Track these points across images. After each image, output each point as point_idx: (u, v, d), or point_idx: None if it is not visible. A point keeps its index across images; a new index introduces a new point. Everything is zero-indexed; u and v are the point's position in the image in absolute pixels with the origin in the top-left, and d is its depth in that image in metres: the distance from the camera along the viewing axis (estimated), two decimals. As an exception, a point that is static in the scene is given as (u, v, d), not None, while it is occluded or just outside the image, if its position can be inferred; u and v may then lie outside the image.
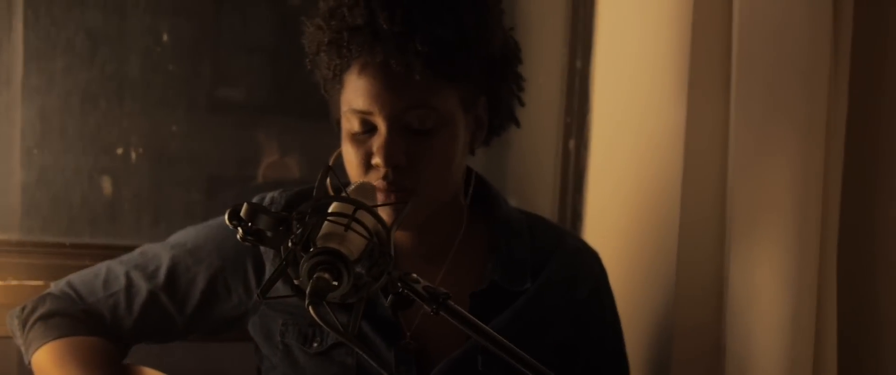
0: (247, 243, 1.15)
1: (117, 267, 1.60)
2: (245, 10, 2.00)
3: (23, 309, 1.57)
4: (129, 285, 1.57)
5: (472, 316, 1.18)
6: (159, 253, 1.60)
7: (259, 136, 2.09)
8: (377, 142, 1.43)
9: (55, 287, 1.61)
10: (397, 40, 1.38)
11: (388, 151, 1.42)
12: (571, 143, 2.16)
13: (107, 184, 1.93)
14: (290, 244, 1.15)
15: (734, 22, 1.57)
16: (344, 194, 1.23)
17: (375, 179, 1.44)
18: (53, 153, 1.91)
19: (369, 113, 1.43)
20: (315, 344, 1.52)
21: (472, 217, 1.60)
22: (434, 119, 1.43)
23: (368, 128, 1.44)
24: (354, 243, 1.16)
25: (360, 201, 1.19)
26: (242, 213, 1.15)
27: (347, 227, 1.16)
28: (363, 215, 1.18)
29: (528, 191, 2.25)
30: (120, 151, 1.94)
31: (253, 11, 2.01)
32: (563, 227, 1.68)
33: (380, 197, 1.43)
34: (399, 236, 1.55)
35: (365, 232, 1.16)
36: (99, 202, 1.93)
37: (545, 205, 2.19)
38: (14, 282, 1.84)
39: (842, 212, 1.54)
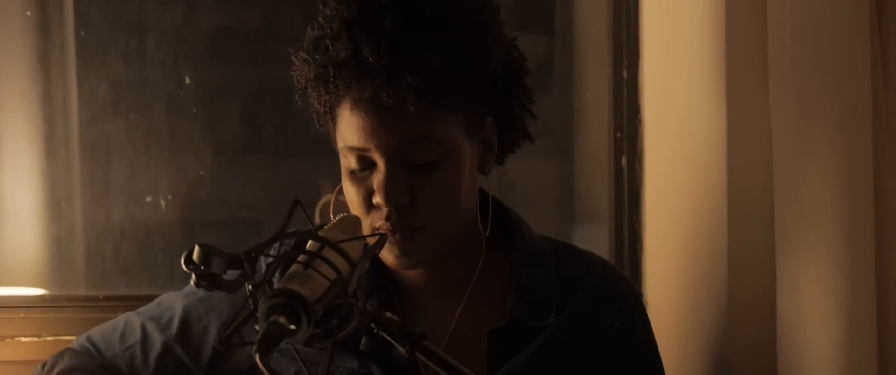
0: (201, 288, 1.08)
1: (134, 319, 1.56)
2: (268, 49, 1.96)
3: (43, 365, 1.55)
4: (145, 337, 1.53)
5: (450, 359, 1.07)
6: (174, 302, 1.55)
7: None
8: (377, 180, 1.34)
9: (76, 342, 1.59)
10: (385, 73, 1.29)
11: (389, 190, 1.32)
12: (624, 160, 2.02)
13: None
14: (249, 287, 1.08)
15: (768, 18, 1.42)
16: (313, 230, 1.14)
17: (379, 219, 1.35)
18: (82, 206, 1.91)
19: (365, 150, 1.34)
20: (328, 391, 1.43)
21: (492, 247, 1.49)
22: (435, 150, 1.34)
23: (367, 165, 1.36)
24: (320, 283, 1.07)
25: (323, 237, 1.10)
26: (195, 256, 1.07)
27: (307, 266, 1.07)
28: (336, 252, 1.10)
29: (583, 216, 2.12)
30: (149, 200, 1.92)
31: (277, 50, 1.98)
32: (594, 253, 1.54)
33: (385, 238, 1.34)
34: (413, 272, 1.46)
35: (330, 271, 1.07)
36: (131, 252, 1.90)
37: (601, 229, 2.05)
38: (50, 338, 1.83)
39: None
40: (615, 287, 1.48)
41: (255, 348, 0.99)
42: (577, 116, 1.97)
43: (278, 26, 2.00)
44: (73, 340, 1.74)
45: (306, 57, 1.37)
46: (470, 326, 1.43)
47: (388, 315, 1.10)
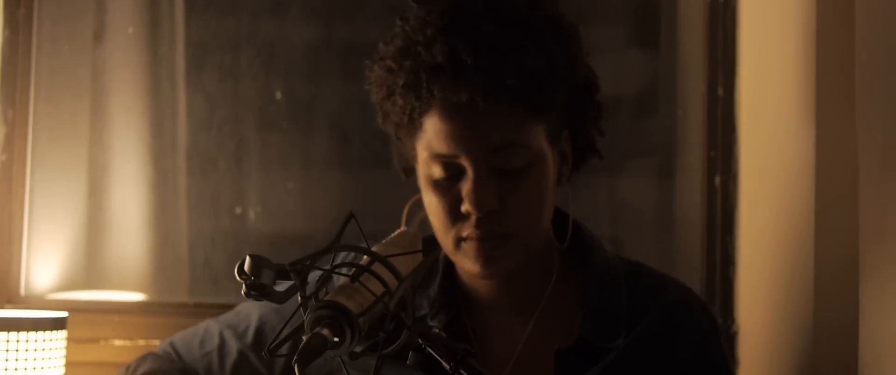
0: (250, 298, 1.09)
1: (214, 326, 1.60)
2: (356, 64, 1.98)
3: (127, 367, 1.60)
4: (222, 344, 1.57)
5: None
6: (251, 312, 1.58)
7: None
8: (466, 187, 1.32)
9: (160, 346, 1.64)
10: (484, 76, 1.28)
11: (479, 197, 1.30)
12: (717, 179, 1.95)
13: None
14: (299, 298, 1.09)
15: (856, 36, 1.35)
16: (364, 245, 1.14)
17: (467, 228, 1.33)
18: (185, 215, 1.96)
19: (454, 156, 1.32)
20: (396, 404, 1.43)
21: (565, 265, 1.46)
22: (525, 157, 1.32)
23: (453, 173, 1.34)
24: (367, 297, 1.07)
25: (373, 251, 1.10)
26: (246, 267, 1.09)
27: (355, 279, 1.07)
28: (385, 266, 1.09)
29: (682, 235, 2.05)
30: (238, 211, 1.96)
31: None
32: (669, 275, 1.49)
33: (472, 247, 1.33)
34: (486, 288, 1.44)
35: (378, 286, 1.07)
36: (220, 262, 1.95)
37: (693, 250, 1.98)
38: (141, 342, 1.89)
39: None
40: (689, 309, 1.43)
41: (295, 358, 1.00)
42: (676, 134, 1.91)
43: (366, 41, 2.02)
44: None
45: (392, 65, 1.36)
46: (539, 345, 1.40)
47: (436, 330, 1.09)
